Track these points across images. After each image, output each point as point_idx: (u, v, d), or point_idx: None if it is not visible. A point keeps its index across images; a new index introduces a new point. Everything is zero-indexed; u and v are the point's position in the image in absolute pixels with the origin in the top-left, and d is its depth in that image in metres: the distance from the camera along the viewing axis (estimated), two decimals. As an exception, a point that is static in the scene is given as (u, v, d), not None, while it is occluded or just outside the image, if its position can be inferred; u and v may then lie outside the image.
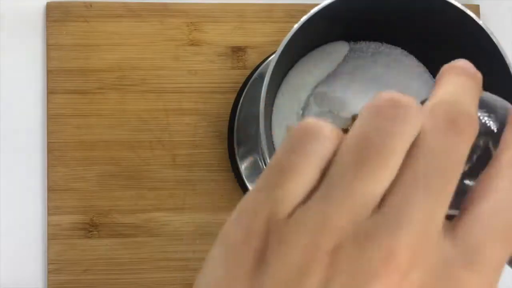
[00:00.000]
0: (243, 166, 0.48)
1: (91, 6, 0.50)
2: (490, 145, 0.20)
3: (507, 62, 0.36)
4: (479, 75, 0.18)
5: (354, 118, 0.43)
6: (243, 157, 0.48)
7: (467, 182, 0.27)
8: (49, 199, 0.49)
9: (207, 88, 0.50)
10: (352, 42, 0.45)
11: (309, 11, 0.36)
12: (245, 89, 0.48)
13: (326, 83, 0.44)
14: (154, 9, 0.50)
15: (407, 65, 0.44)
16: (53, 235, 0.48)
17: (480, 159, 0.20)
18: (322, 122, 0.16)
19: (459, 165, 0.16)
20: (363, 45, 0.45)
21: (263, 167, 0.48)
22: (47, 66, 0.49)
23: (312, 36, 0.43)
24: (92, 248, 0.49)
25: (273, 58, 0.36)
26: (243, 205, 0.17)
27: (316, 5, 0.36)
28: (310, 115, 0.44)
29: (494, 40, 0.36)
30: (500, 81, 0.37)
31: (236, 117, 0.48)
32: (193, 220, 0.49)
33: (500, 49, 0.36)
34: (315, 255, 0.15)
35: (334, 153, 0.16)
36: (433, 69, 0.44)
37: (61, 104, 0.49)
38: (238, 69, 0.50)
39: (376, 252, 0.14)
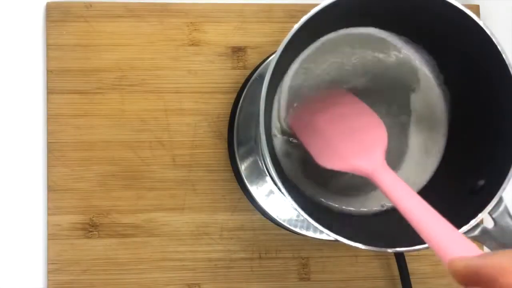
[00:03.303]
0: (243, 166, 0.48)
1: (91, 6, 0.50)
2: None
3: (507, 62, 0.36)
4: None
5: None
6: (243, 157, 0.48)
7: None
8: (49, 199, 0.49)
9: (207, 88, 0.50)
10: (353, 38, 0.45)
11: (309, 11, 0.36)
12: (245, 89, 0.48)
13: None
14: (154, 9, 0.50)
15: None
16: (53, 235, 0.48)
17: None
18: None
19: None
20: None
21: (263, 167, 0.48)
22: (47, 66, 0.49)
23: (312, 35, 0.43)
24: (92, 248, 0.49)
25: (273, 58, 0.36)
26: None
27: (316, 5, 0.36)
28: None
29: (494, 40, 0.36)
30: (500, 81, 0.37)
31: (236, 117, 0.48)
32: (193, 220, 0.49)
33: (500, 50, 0.36)
34: None
35: None
36: (432, 68, 0.44)
37: (61, 104, 0.49)
38: (238, 69, 0.50)
39: None
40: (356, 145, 0.38)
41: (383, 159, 0.36)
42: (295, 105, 0.44)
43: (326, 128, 0.40)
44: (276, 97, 0.44)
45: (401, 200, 0.32)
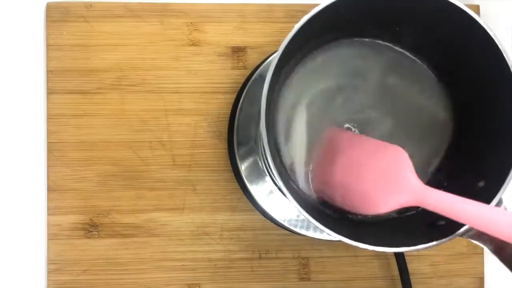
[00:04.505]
0: (243, 166, 0.48)
1: (91, 6, 0.50)
2: None
3: (508, 63, 0.36)
4: None
5: None
6: (243, 157, 0.48)
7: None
8: (49, 199, 0.49)
9: (207, 88, 0.50)
10: (355, 39, 0.45)
11: (309, 11, 0.36)
12: (245, 89, 0.48)
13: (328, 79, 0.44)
14: (154, 9, 0.50)
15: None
16: (53, 235, 0.48)
17: None
18: None
19: None
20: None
21: (263, 167, 0.48)
22: (47, 66, 0.49)
23: (314, 36, 0.43)
24: (92, 248, 0.49)
25: (275, 57, 0.36)
26: None
27: (316, 5, 0.36)
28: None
29: (496, 41, 0.36)
30: (501, 81, 0.37)
31: (236, 117, 0.48)
32: (193, 220, 0.49)
33: (502, 50, 0.36)
34: None
35: None
36: (433, 68, 0.44)
37: (61, 104, 0.49)
38: (238, 69, 0.50)
39: None
40: (385, 182, 0.36)
41: (417, 182, 0.35)
42: (310, 167, 0.42)
43: (347, 180, 0.39)
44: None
45: (456, 215, 0.32)
